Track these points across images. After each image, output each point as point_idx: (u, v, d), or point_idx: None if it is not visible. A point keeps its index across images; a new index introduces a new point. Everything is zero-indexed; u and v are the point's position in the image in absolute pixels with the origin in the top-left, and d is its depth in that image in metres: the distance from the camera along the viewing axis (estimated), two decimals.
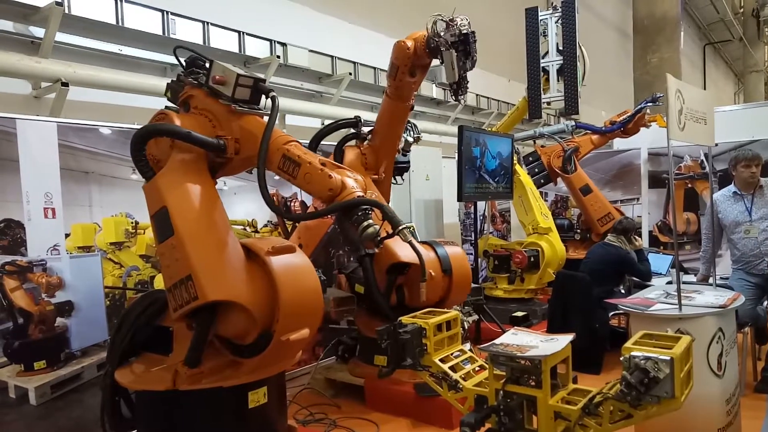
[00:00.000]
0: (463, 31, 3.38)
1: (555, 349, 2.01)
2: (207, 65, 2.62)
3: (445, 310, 2.52)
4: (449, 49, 3.39)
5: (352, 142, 4.11)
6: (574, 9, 5.61)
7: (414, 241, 2.42)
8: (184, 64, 2.72)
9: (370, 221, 2.34)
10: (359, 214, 2.35)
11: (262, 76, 3.14)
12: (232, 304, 2.28)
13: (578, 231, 6.16)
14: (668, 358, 1.77)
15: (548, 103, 5.87)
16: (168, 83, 2.82)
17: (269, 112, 2.48)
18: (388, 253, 3.54)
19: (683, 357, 1.83)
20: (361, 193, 2.45)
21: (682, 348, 1.84)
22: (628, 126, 5.90)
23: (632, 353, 1.83)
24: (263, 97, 2.61)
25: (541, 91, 5.64)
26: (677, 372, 1.77)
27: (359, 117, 4.04)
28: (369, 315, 3.81)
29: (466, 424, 1.97)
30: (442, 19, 3.43)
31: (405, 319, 2.34)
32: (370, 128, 4.10)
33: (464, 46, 3.43)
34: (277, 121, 2.52)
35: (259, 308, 2.30)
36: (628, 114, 5.90)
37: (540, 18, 5.83)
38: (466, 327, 2.55)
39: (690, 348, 1.91)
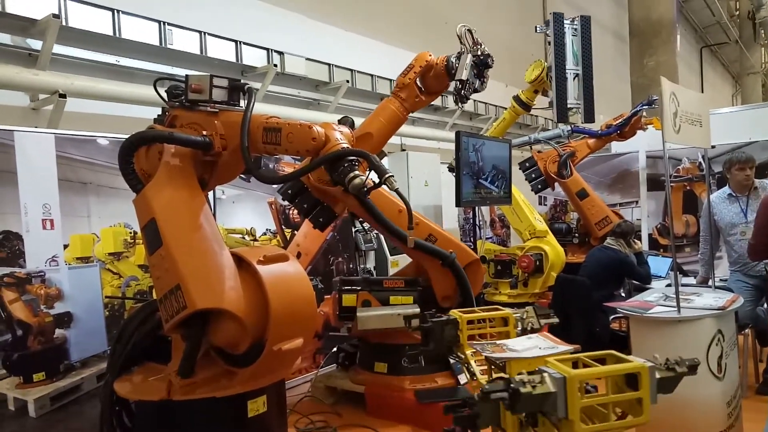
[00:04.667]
0: (486, 52, 3.64)
1: (531, 355, 1.91)
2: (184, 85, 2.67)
3: (505, 309, 2.48)
4: (468, 53, 3.59)
5: None
6: (590, 25, 5.69)
7: (399, 190, 2.43)
8: (165, 97, 2.76)
9: (357, 172, 2.33)
10: (345, 165, 2.34)
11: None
12: (223, 313, 2.27)
13: (576, 235, 6.14)
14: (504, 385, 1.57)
15: (570, 109, 5.88)
16: (153, 119, 2.86)
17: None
18: (467, 253, 3.84)
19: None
20: (346, 145, 2.45)
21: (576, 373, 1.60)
22: (624, 129, 5.90)
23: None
24: (241, 94, 2.66)
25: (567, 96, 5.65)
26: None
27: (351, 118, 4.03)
28: None
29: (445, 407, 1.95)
30: (471, 32, 3.64)
31: (453, 312, 2.40)
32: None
33: (480, 67, 3.65)
34: None
35: (250, 317, 2.29)
36: (624, 117, 5.91)
37: (544, 29, 5.83)
38: (531, 327, 2.48)
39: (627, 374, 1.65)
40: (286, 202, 4.57)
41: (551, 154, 6.01)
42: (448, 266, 3.65)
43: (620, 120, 5.88)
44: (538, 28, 5.90)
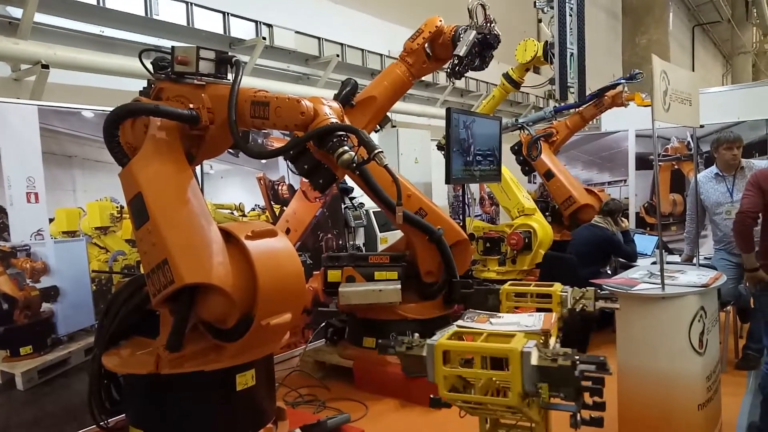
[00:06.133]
0: (494, 32, 3.60)
1: (492, 329, 1.94)
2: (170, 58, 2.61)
3: (556, 284, 2.45)
4: (473, 30, 3.55)
5: None
6: (584, 5, 5.61)
7: (389, 166, 2.40)
8: (151, 68, 2.70)
9: (346, 147, 2.29)
10: (334, 140, 2.31)
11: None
12: (211, 287, 2.27)
13: (548, 214, 6.15)
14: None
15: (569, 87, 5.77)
16: (139, 91, 2.80)
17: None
18: (455, 231, 3.87)
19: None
20: (335, 120, 2.42)
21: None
22: (602, 101, 5.81)
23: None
24: (228, 67, 2.61)
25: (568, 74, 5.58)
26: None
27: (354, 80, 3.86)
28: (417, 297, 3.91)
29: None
30: (483, 7, 3.56)
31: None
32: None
33: (484, 46, 3.61)
34: None
35: (238, 292, 2.29)
36: (600, 88, 5.85)
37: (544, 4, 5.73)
38: (583, 308, 2.35)
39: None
40: (275, 178, 4.56)
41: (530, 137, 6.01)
42: (434, 242, 3.66)
43: (594, 91, 5.83)
44: (537, 3, 5.82)
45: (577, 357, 1.61)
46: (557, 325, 2.30)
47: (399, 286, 3.69)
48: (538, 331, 1.87)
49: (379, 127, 4.06)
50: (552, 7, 5.53)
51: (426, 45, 3.67)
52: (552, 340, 2.01)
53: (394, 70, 3.73)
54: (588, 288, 2.41)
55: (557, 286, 2.41)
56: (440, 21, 3.63)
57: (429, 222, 3.72)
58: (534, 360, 1.62)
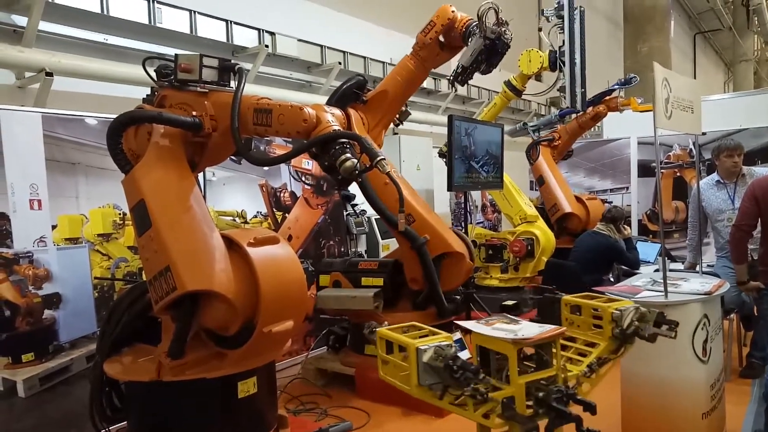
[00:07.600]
0: (504, 39, 3.53)
1: (480, 331, 1.97)
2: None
3: (622, 300, 2.25)
4: (481, 37, 3.49)
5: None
6: (584, 18, 5.65)
7: (392, 173, 2.39)
8: (154, 76, 2.72)
9: (348, 155, 2.27)
10: (336, 147, 2.29)
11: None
12: (213, 294, 2.27)
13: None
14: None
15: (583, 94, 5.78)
16: (142, 99, 2.81)
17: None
18: (442, 242, 3.73)
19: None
20: (338, 127, 2.42)
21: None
22: (597, 108, 5.82)
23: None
24: (231, 75, 2.63)
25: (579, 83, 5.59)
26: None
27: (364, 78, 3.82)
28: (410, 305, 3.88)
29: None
30: (495, 10, 3.50)
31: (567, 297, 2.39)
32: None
33: (491, 52, 3.56)
34: None
35: (240, 299, 2.29)
36: (596, 94, 5.85)
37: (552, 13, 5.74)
38: (635, 330, 2.09)
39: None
40: (278, 185, 4.57)
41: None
42: (415, 250, 3.64)
43: (591, 97, 5.84)
44: (545, 11, 5.82)
45: (451, 362, 1.74)
46: (607, 346, 2.15)
47: (372, 294, 3.67)
48: (509, 341, 1.88)
49: (398, 121, 4.05)
50: (559, 17, 5.54)
51: (439, 36, 3.64)
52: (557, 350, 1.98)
53: (407, 64, 3.71)
54: (651, 309, 2.21)
55: (619, 303, 2.21)
56: (453, 11, 3.56)
57: (414, 230, 3.66)
58: (426, 358, 1.78)
